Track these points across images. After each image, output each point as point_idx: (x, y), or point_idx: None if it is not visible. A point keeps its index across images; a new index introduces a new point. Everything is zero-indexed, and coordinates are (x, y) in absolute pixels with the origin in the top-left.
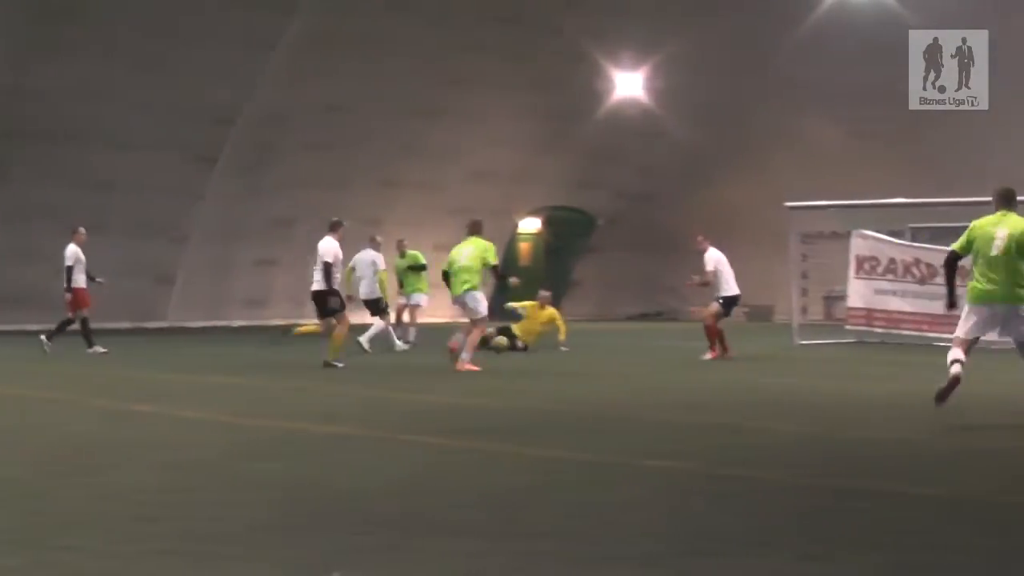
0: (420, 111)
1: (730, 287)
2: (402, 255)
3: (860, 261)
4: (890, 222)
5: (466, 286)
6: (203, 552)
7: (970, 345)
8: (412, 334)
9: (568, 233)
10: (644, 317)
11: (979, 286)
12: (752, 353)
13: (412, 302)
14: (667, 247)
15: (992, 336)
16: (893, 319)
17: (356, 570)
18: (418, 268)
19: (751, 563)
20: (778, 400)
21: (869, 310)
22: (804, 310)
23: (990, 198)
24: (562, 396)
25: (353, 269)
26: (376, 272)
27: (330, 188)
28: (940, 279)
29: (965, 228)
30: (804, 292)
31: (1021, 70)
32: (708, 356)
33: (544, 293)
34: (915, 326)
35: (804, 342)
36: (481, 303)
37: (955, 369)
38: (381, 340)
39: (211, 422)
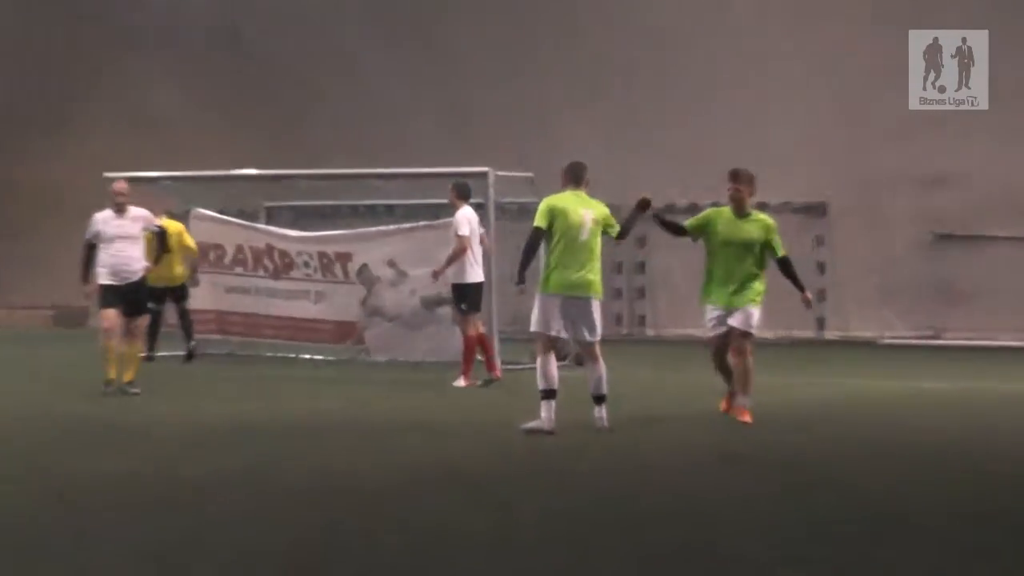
0: None
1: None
2: None
3: (203, 249)
4: (241, 199)
5: None
6: None
7: (555, 342)
8: None
9: None
10: None
11: (564, 273)
12: (61, 368)
13: None
14: None
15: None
16: (249, 324)
17: None
18: None
19: None
20: (93, 431)
21: (219, 313)
22: None
23: (363, 170)
24: None
25: None
26: None
27: None
28: (296, 272)
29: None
30: None
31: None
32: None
33: None
34: (276, 332)
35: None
36: None
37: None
38: None
39: None
